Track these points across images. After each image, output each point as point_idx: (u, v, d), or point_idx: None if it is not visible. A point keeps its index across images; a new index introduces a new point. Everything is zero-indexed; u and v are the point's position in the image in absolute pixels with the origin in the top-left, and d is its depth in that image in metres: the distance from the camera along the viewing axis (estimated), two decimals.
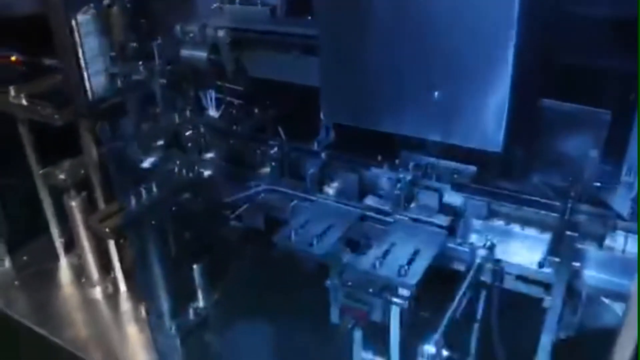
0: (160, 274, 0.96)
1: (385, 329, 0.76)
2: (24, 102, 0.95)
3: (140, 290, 0.96)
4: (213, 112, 1.15)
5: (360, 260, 0.74)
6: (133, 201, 0.88)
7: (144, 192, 0.89)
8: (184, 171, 0.95)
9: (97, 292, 1.14)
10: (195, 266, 1.05)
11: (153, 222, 0.86)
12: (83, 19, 1.02)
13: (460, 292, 0.69)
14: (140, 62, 1.05)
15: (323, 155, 0.92)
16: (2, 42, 1.18)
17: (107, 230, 0.81)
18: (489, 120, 0.78)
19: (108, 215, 0.86)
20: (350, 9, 0.81)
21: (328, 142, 0.97)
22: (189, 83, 1.14)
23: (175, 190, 0.91)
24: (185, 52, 1.10)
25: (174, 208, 0.93)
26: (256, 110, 1.13)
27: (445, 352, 0.61)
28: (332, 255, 0.76)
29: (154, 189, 0.90)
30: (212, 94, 1.15)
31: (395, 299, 0.71)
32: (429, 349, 0.59)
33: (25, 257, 1.23)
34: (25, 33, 1.17)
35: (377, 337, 0.79)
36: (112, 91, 1.05)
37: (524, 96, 0.82)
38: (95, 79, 1.08)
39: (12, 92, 0.97)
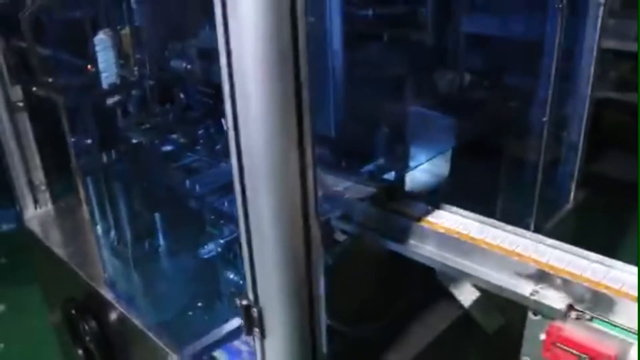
0: (124, 214, 1.41)
1: None
2: None
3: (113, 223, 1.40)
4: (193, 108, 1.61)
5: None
6: (105, 158, 1.35)
7: (113, 153, 1.36)
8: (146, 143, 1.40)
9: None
10: (156, 213, 1.49)
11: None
12: (101, 38, 1.51)
13: None
14: (135, 68, 1.53)
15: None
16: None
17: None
18: (324, 113, 1.12)
19: None
20: None
21: None
22: (176, 86, 1.60)
23: (133, 152, 1.36)
24: (172, 63, 1.57)
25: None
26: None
27: None
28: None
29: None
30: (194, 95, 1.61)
31: None
32: None
33: (62, 204, 1.76)
34: None
35: None
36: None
37: (354, 97, 1.14)
38: (107, 80, 1.57)
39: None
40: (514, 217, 1.43)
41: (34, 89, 1.52)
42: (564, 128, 1.57)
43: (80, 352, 1.45)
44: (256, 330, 0.82)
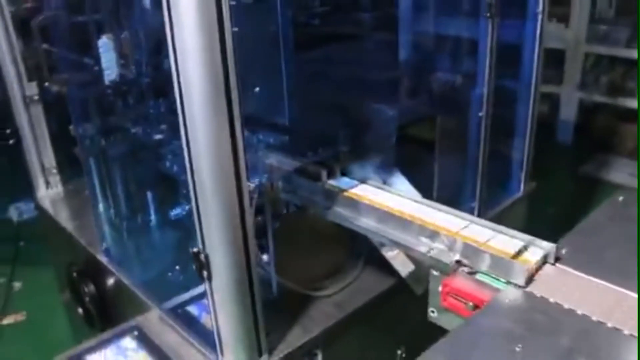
0: (119, 192, 1.65)
1: None
2: None
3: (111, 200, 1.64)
4: None
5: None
6: (103, 142, 1.60)
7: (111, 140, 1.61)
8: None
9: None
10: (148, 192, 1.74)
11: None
12: (104, 41, 1.76)
13: None
14: (133, 67, 1.77)
15: None
16: None
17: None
18: (279, 105, 1.33)
19: None
20: None
21: None
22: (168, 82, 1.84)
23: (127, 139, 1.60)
24: (166, 62, 1.82)
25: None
26: None
27: None
28: None
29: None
30: None
31: None
32: None
33: (71, 187, 2.02)
34: None
35: None
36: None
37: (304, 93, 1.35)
38: (109, 77, 1.82)
39: None
40: (457, 202, 1.63)
41: (46, 84, 1.78)
42: (513, 124, 1.77)
43: (80, 310, 1.70)
44: (205, 272, 1.05)
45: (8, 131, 1.86)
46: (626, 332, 0.88)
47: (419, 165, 1.52)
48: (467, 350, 0.84)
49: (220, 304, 1.08)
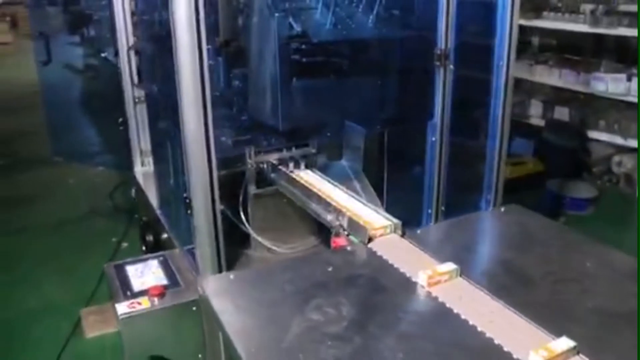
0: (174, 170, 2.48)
1: None
2: None
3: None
4: None
5: None
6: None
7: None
8: None
9: None
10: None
11: None
12: None
13: None
14: None
15: None
16: None
17: None
18: (275, 114, 2.05)
19: None
20: None
21: None
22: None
23: None
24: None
25: None
26: None
27: None
28: None
29: None
30: None
31: None
32: None
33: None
34: None
35: None
36: None
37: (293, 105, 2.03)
38: None
39: None
40: (418, 207, 2.19)
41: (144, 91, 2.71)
42: (483, 153, 2.27)
43: (143, 248, 2.56)
44: (189, 211, 1.80)
45: (120, 120, 2.83)
46: (421, 284, 1.42)
47: (381, 176, 2.13)
48: (299, 265, 1.47)
49: (197, 235, 1.82)
